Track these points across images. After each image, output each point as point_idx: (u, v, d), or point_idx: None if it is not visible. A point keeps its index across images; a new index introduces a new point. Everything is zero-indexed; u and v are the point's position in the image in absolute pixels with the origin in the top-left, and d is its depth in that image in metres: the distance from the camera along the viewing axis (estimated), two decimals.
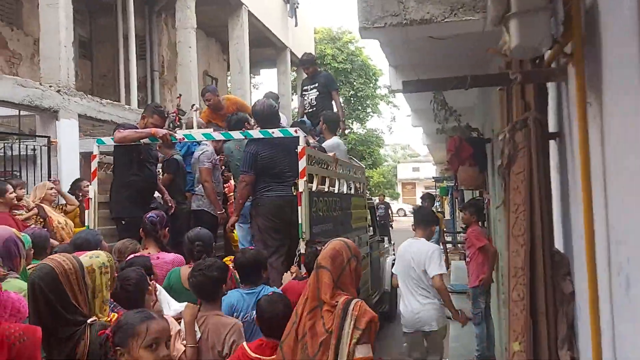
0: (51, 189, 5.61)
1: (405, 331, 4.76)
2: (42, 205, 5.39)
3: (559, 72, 2.21)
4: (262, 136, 4.37)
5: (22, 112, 6.91)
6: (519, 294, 2.15)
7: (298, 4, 15.35)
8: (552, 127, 2.52)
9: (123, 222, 4.59)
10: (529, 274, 2.16)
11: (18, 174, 7.32)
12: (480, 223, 6.46)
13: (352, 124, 25.48)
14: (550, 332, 2.08)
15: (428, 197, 8.55)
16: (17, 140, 6.72)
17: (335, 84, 7.36)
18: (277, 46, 14.85)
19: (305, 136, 4.30)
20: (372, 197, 27.23)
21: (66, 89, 6.96)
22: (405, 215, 40.66)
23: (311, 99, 7.08)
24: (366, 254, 6.39)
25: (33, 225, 5.24)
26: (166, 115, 5.10)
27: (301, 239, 4.12)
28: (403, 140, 54.56)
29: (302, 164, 4.20)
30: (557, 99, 2.54)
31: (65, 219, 5.39)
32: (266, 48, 15.08)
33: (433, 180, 22.19)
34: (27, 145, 6.83)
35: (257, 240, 4.44)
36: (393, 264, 8.14)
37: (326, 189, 4.99)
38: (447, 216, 17.75)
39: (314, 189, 4.57)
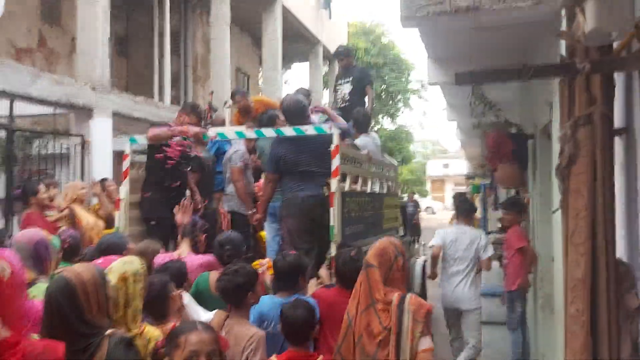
0: (83, 189, 5.61)
1: (446, 307, 5.50)
2: (73, 206, 5.39)
3: (635, 60, 1.99)
4: (295, 134, 4.24)
5: (57, 110, 6.96)
6: (577, 308, 1.96)
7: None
8: (618, 122, 2.31)
9: (152, 222, 4.52)
10: (589, 287, 1.96)
11: (52, 172, 7.43)
12: (519, 224, 6.17)
13: (382, 119, 25.09)
14: (612, 352, 1.89)
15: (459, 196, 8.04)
16: (50, 139, 6.77)
17: (369, 78, 7.16)
18: (309, 40, 14.72)
19: (340, 132, 4.15)
20: (402, 195, 26.99)
21: (101, 86, 7.00)
22: (433, 213, 39.85)
23: (344, 94, 6.88)
24: None
25: (63, 227, 5.29)
26: (202, 114, 5.03)
27: (332, 242, 3.97)
28: (432, 136, 53.75)
29: (335, 162, 4.05)
30: (625, 91, 2.33)
31: (95, 219, 5.38)
32: (298, 42, 14.95)
33: (465, 177, 21.67)
34: (61, 144, 6.89)
35: (286, 242, 4.30)
36: (424, 265, 8.04)
37: (358, 189, 4.83)
38: (479, 214, 17.29)
39: (346, 188, 4.43)
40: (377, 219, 5.39)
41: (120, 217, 4.47)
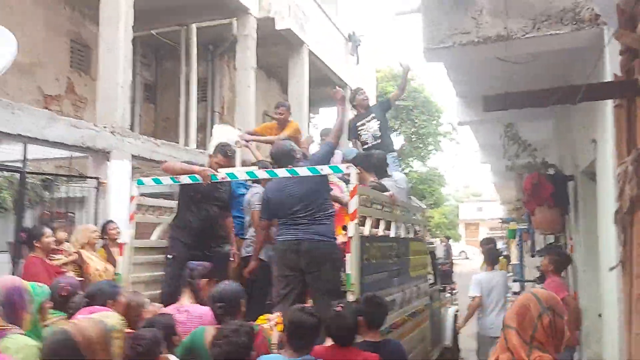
0: (94, 231, 5.40)
1: (480, 333, 6.16)
2: (82, 250, 5.17)
3: None
4: (310, 174, 3.94)
5: (75, 154, 6.88)
6: None
7: (360, 42, 15.14)
8: None
9: (169, 256, 4.39)
10: None
11: (73, 215, 7.30)
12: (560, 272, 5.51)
13: (412, 161, 24.71)
14: None
15: (486, 242, 8.14)
16: (66, 182, 6.66)
17: (387, 102, 6.84)
18: (336, 84, 14.62)
19: (358, 173, 3.82)
20: (434, 239, 26.19)
21: (120, 129, 6.91)
22: (467, 258, 38.34)
23: (374, 131, 6.48)
24: (425, 305, 5.70)
25: (71, 273, 5.05)
26: (230, 155, 4.84)
27: (350, 291, 3.58)
28: (465, 179, 52.69)
29: (353, 204, 3.71)
30: None
31: (105, 265, 5.13)
32: (326, 86, 14.85)
33: (500, 221, 20.84)
34: (77, 188, 6.78)
35: (273, 288, 4.14)
36: (456, 316, 7.45)
37: (381, 233, 4.45)
38: (515, 260, 16.38)
39: (366, 232, 4.06)
40: (403, 265, 4.95)
41: (124, 263, 4.19)
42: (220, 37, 11.68)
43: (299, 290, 4.04)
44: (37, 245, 4.86)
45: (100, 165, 6.75)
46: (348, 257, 3.62)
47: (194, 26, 10.87)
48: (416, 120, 23.10)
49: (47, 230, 5.02)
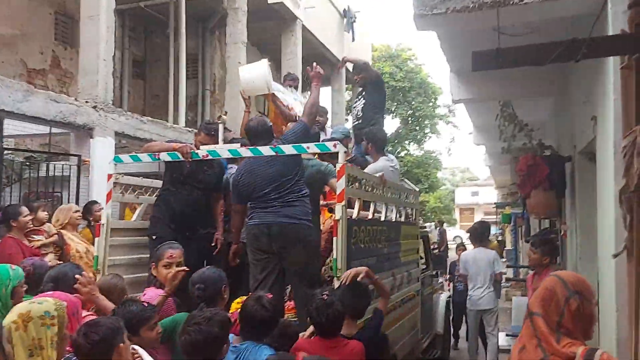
0: (76, 212, 5.19)
1: (470, 309, 6.75)
2: (64, 231, 4.97)
3: None
4: (295, 152, 3.72)
5: (58, 130, 6.62)
6: None
7: (355, 18, 14.77)
8: None
9: (153, 237, 4.16)
10: None
11: (60, 194, 7.05)
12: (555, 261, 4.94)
13: (409, 145, 24.45)
14: None
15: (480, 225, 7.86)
16: (45, 160, 6.41)
17: (381, 82, 6.35)
18: (332, 62, 14.31)
19: (345, 151, 3.61)
20: (428, 223, 26.04)
21: (103, 104, 6.64)
22: (462, 243, 38.26)
23: (357, 110, 6.30)
24: (416, 291, 5.54)
25: (51, 254, 4.86)
26: (214, 133, 4.59)
27: (336, 278, 3.40)
28: (462, 163, 52.57)
29: (340, 185, 3.50)
30: None
31: (87, 247, 4.93)
32: (321, 65, 14.51)
33: (494, 206, 20.73)
34: (62, 165, 6.53)
35: (250, 273, 3.98)
36: (448, 302, 7.29)
37: (370, 216, 4.25)
38: (509, 246, 16.27)
39: (354, 216, 3.87)
40: (393, 250, 4.78)
41: (100, 245, 3.98)
42: (211, 11, 11.32)
43: (276, 274, 3.90)
44: (14, 225, 4.65)
45: (83, 142, 6.50)
46: (335, 240, 3.43)
47: None
48: (412, 102, 22.77)
49: (25, 209, 4.81)
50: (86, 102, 6.41)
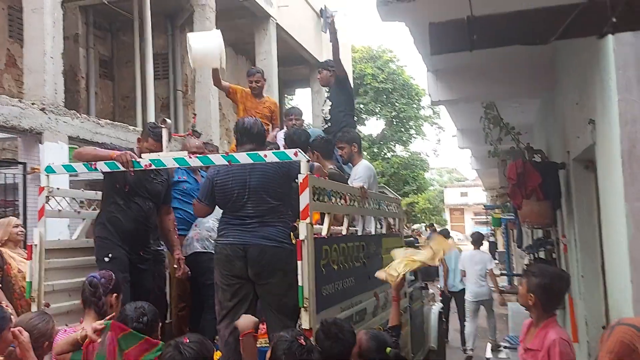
0: (17, 226, 4.59)
1: (470, 300, 8.17)
2: (3, 249, 4.37)
3: None
4: (251, 160, 3.19)
5: (5, 135, 6.00)
6: None
7: (332, 18, 14.32)
8: None
9: (107, 257, 3.60)
10: None
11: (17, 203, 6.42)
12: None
13: (394, 146, 24.14)
14: None
15: (478, 234, 9.22)
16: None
17: (344, 80, 5.74)
18: (310, 63, 13.87)
19: (308, 160, 3.09)
20: (418, 225, 25.58)
21: (53, 106, 6.02)
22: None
23: (325, 113, 5.79)
24: (404, 308, 5.05)
25: None
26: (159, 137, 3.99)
27: (302, 308, 2.88)
28: (449, 164, 52.48)
29: (304, 199, 2.98)
30: None
31: None
32: (299, 66, 14.16)
33: (483, 208, 20.42)
34: (14, 174, 5.91)
35: (215, 297, 3.46)
36: (441, 313, 6.97)
37: (344, 232, 3.74)
38: (501, 248, 16.02)
39: (324, 233, 3.35)
40: (374, 267, 4.26)
41: (33, 269, 3.40)
42: (179, 8, 10.75)
43: (249, 303, 3.35)
44: None
45: (31, 148, 5.87)
46: (299, 264, 2.90)
47: None
48: (396, 104, 22.46)
49: None
50: (32, 103, 5.78)
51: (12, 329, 2.38)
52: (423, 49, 4.64)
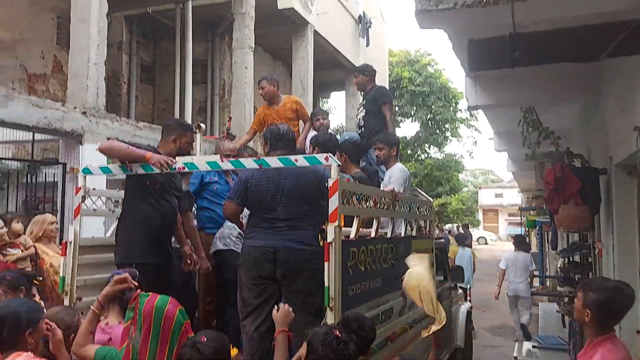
0: (52, 223, 4.78)
1: (509, 294, 8.91)
2: (38, 244, 4.57)
3: None
4: (282, 165, 3.22)
5: (48, 137, 6.26)
6: None
7: (370, 23, 14.37)
8: None
9: (132, 266, 3.47)
10: None
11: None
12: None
13: (429, 148, 23.85)
14: None
15: (522, 236, 10.98)
16: (26, 168, 6.04)
17: (385, 97, 5.71)
18: (346, 67, 13.91)
19: (338, 165, 3.09)
20: (450, 225, 25.15)
21: (94, 110, 6.24)
22: (486, 243, 37.92)
23: (359, 119, 5.78)
24: None
25: (28, 268, 4.48)
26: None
27: (328, 308, 2.88)
28: (485, 165, 51.60)
29: (333, 202, 2.98)
30: None
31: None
32: (335, 70, 14.23)
33: (518, 209, 19.98)
34: (53, 173, 6.16)
35: (238, 295, 3.47)
36: (469, 313, 6.87)
37: (373, 234, 3.72)
38: (535, 248, 15.71)
39: (352, 235, 3.34)
40: (402, 268, 4.22)
41: (67, 265, 3.51)
42: (219, 16, 11.03)
43: (274, 302, 3.35)
44: None
45: (72, 149, 6.10)
46: (326, 266, 2.91)
47: (189, 4, 10.16)
48: (432, 106, 22.19)
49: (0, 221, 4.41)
50: (74, 107, 6.01)
51: (45, 321, 2.46)
52: (461, 54, 4.59)
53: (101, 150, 3.54)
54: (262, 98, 5.59)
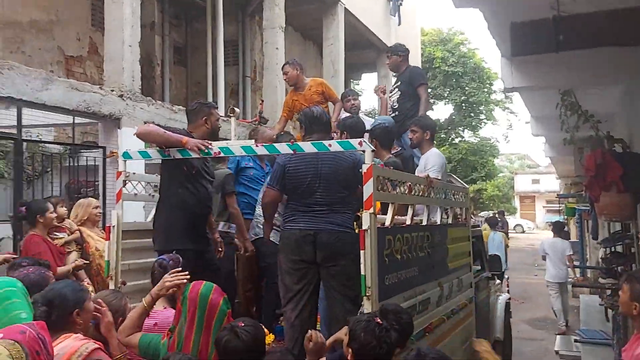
0: (96, 207, 4.89)
1: (550, 281, 9.27)
2: (82, 228, 4.69)
3: None
4: (315, 149, 3.21)
5: (86, 120, 6.38)
6: None
7: (402, 1, 14.06)
8: None
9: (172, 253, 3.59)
10: None
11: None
12: None
13: (462, 131, 23.44)
14: None
15: (560, 222, 10.96)
16: (65, 152, 6.17)
17: (422, 78, 5.60)
18: (377, 47, 13.71)
19: (372, 150, 3.07)
20: (485, 212, 24.74)
21: (130, 93, 6.33)
22: (523, 231, 37.16)
23: (393, 101, 5.70)
24: (469, 299, 4.95)
25: (74, 251, 4.60)
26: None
27: (365, 297, 2.88)
28: (521, 149, 50.41)
29: (367, 189, 2.97)
30: None
31: None
32: (366, 50, 14.04)
33: (557, 196, 19.52)
34: (94, 157, 6.29)
35: (279, 281, 3.49)
36: (508, 304, 6.69)
37: (408, 221, 3.70)
38: (574, 237, 15.38)
39: (387, 223, 3.33)
40: (439, 257, 4.21)
41: (110, 249, 3.60)
42: None
43: (314, 286, 3.42)
44: (40, 220, 4.37)
45: (111, 132, 6.22)
46: (362, 254, 2.91)
47: None
48: (466, 88, 21.74)
49: (50, 205, 4.52)
50: (111, 90, 6.10)
51: (95, 302, 2.54)
52: (498, 35, 4.46)
53: (138, 135, 3.58)
54: (287, 83, 5.57)
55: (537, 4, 2.93)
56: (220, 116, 3.69)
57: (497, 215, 19.46)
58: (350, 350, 2.32)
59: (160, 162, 3.83)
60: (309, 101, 5.35)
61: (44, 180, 6.58)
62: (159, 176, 4.20)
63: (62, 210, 4.85)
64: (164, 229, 3.67)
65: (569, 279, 9.64)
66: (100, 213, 5.04)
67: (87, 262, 4.55)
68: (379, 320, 2.39)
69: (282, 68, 5.61)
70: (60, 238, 4.57)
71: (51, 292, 2.38)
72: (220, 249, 3.99)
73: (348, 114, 5.44)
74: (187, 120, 3.86)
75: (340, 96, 5.87)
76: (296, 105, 5.50)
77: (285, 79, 5.57)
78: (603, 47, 2.10)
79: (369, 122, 5.23)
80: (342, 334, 2.55)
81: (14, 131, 5.27)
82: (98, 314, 2.53)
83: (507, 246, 13.31)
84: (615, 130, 6.84)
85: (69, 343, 2.22)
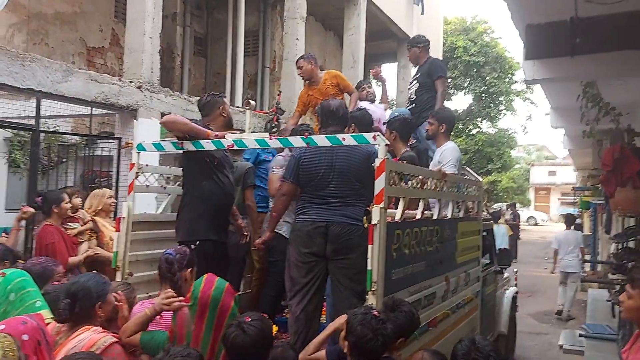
0: (110, 197, 4.98)
1: (561, 270, 9.49)
2: (97, 217, 4.78)
3: None
4: (329, 143, 3.22)
5: (104, 111, 6.49)
6: None
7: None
8: None
9: (192, 247, 3.50)
10: None
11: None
12: None
13: (481, 122, 23.11)
14: None
15: (572, 215, 10.83)
16: (82, 142, 6.28)
17: (441, 70, 5.54)
18: (398, 37, 13.57)
19: (387, 144, 3.07)
20: (499, 204, 24.37)
21: (148, 84, 6.40)
22: (536, 224, 36.74)
23: (410, 93, 5.67)
24: (476, 293, 4.93)
25: (86, 243, 4.69)
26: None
27: (370, 292, 2.90)
28: (538, 140, 49.52)
29: (379, 183, 2.98)
30: None
31: None
32: (387, 40, 13.91)
33: (572, 189, 19.25)
34: (110, 148, 6.41)
35: (286, 274, 3.50)
36: (515, 298, 6.85)
37: (419, 216, 3.69)
38: (587, 231, 15.21)
39: (397, 217, 3.33)
40: (447, 251, 4.19)
41: (120, 240, 3.66)
42: None
43: (321, 280, 3.44)
44: (55, 211, 4.48)
45: (127, 123, 6.31)
46: (370, 249, 2.92)
47: None
48: (487, 78, 21.41)
49: (66, 196, 4.64)
50: (130, 82, 6.19)
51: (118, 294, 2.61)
52: (520, 23, 4.39)
53: (163, 123, 3.57)
54: (302, 78, 5.56)
55: (555, 6, 2.88)
56: (237, 107, 3.73)
57: (508, 208, 19.30)
58: (346, 343, 2.35)
59: (181, 154, 3.84)
60: (324, 95, 5.33)
61: (59, 170, 6.72)
62: (174, 168, 4.28)
63: (77, 201, 4.96)
64: (189, 220, 3.65)
65: (582, 274, 9.79)
66: (114, 203, 5.13)
67: (98, 252, 4.63)
68: (375, 312, 2.41)
69: (297, 62, 5.58)
70: (74, 228, 4.68)
71: (75, 286, 2.43)
72: (245, 234, 4.04)
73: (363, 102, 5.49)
74: (202, 114, 3.87)
75: (355, 86, 5.88)
76: (312, 100, 5.50)
77: (299, 74, 5.55)
78: (620, 51, 2.03)
79: (374, 112, 5.22)
80: (341, 322, 2.57)
81: (33, 122, 5.39)
82: (118, 304, 2.60)
83: (518, 238, 13.81)
84: (636, 122, 6.69)
85: (88, 335, 2.28)
